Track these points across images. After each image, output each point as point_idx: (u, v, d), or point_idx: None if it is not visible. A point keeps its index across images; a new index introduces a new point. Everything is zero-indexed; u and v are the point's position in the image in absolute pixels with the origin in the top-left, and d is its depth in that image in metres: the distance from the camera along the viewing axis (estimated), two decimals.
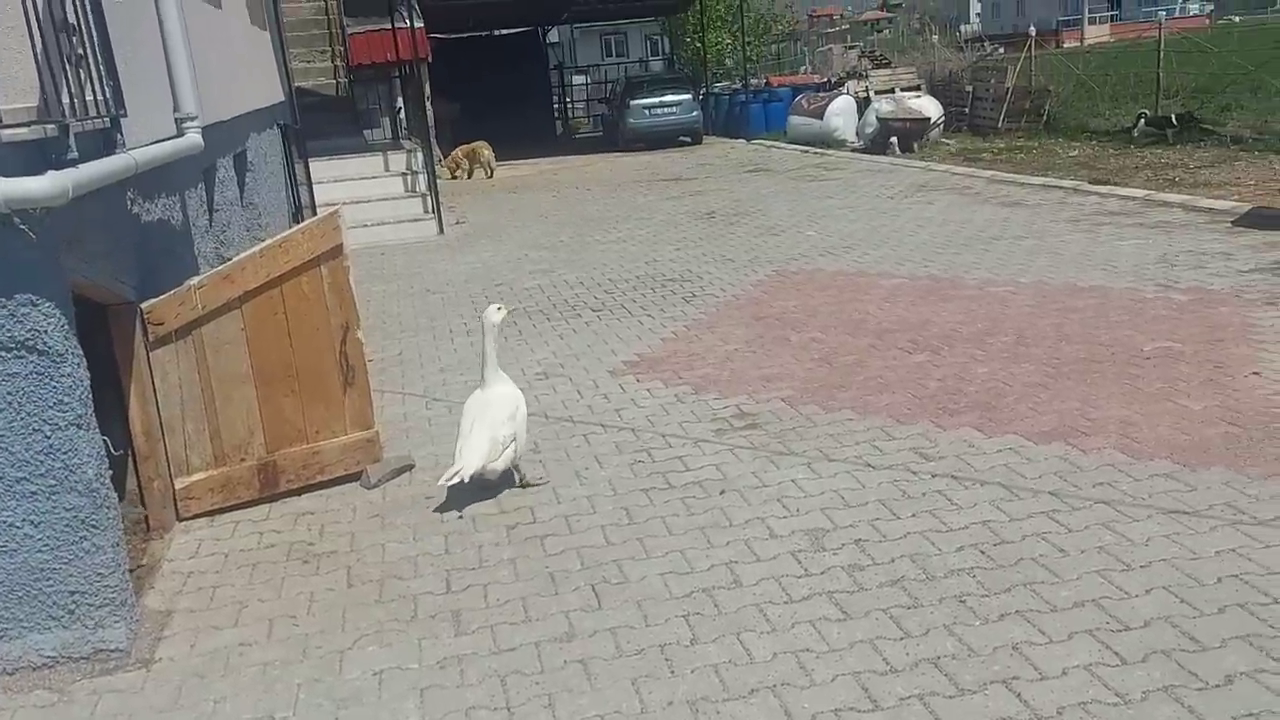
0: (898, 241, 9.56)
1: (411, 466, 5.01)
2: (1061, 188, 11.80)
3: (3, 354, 3.18)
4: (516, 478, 4.69)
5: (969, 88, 19.02)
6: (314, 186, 11.82)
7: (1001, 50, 25.41)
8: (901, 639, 3.19)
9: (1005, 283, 7.60)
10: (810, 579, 3.62)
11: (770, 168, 16.80)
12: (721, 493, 4.42)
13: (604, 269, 9.52)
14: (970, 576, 3.53)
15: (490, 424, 4.46)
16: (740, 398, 5.62)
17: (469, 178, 18.81)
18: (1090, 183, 11.83)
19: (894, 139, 16.82)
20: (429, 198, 12.69)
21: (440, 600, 3.71)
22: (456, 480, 4.30)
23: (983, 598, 3.38)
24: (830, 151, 18.08)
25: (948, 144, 17.25)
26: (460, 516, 4.42)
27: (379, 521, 4.45)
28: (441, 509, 4.50)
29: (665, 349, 6.73)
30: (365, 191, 12.65)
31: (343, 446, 4.84)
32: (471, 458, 4.34)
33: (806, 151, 18.52)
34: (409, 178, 13.27)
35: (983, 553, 3.68)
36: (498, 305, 4.73)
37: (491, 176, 18.70)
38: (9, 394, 3.22)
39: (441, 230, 12.50)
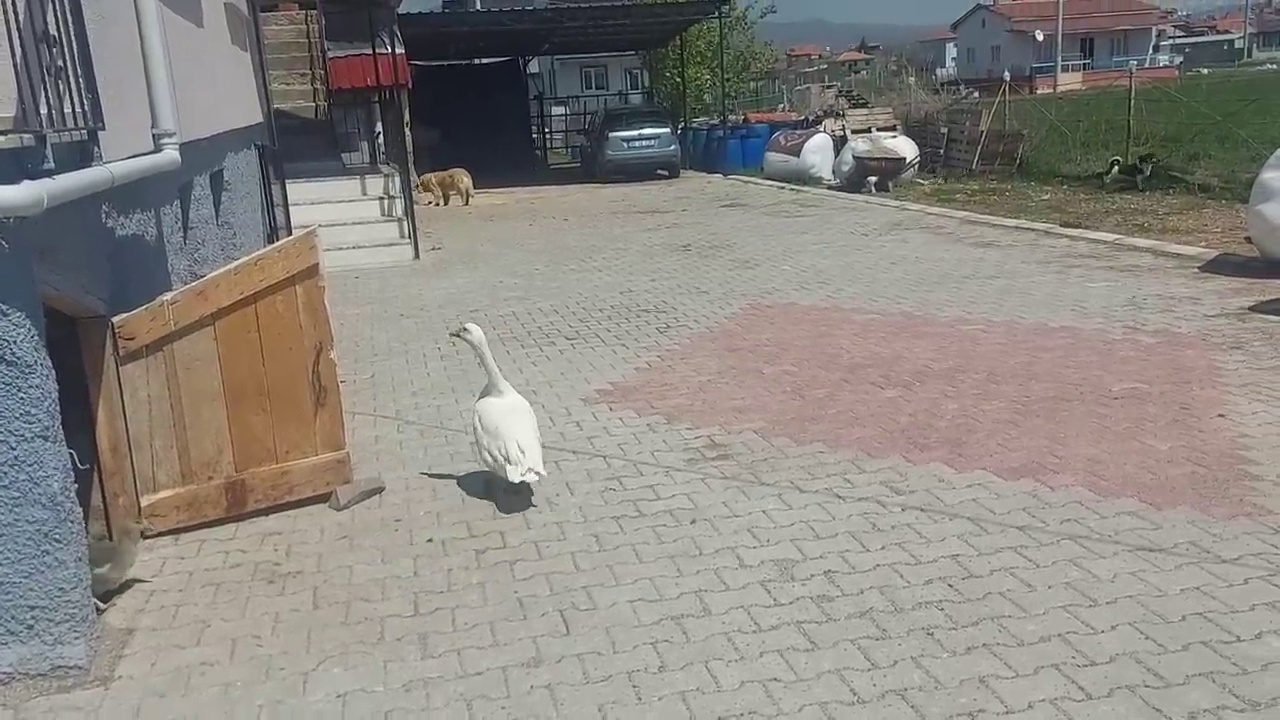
0: (871, 278, 9.65)
1: (381, 489, 4.98)
2: (1034, 230, 11.98)
3: None
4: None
5: (944, 129, 19.32)
6: (290, 208, 11.79)
7: (976, 94, 25.83)
8: (869, 670, 3.20)
9: (977, 321, 7.69)
10: (779, 609, 3.62)
11: (747, 203, 16.94)
12: (692, 522, 4.42)
13: (579, 298, 9.54)
14: (938, 609, 3.54)
15: (534, 429, 4.79)
16: (712, 428, 5.64)
17: (445, 204, 18.83)
18: (1061, 225, 12.01)
19: (870, 178, 17.02)
20: (405, 223, 12.70)
21: (407, 623, 3.67)
22: (533, 476, 4.58)
23: (950, 630, 3.39)
24: (806, 188, 18.27)
25: (922, 184, 17.49)
26: (429, 540, 4.39)
27: (347, 543, 4.41)
28: (411, 533, 4.46)
29: (639, 378, 6.74)
30: (342, 215, 12.64)
31: (313, 467, 4.80)
32: (539, 458, 4.65)
33: (783, 188, 18.71)
34: (386, 202, 13.28)
35: (951, 586, 3.70)
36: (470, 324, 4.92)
37: (468, 204, 18.74)
38: None
39: (417, 255, 12.49)
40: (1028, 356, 6.61)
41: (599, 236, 13.78)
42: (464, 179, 18.79)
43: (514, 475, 4.58)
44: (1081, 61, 59.17)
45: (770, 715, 2.99)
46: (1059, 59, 54.90)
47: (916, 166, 18.15)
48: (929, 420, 5.52)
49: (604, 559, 4.11)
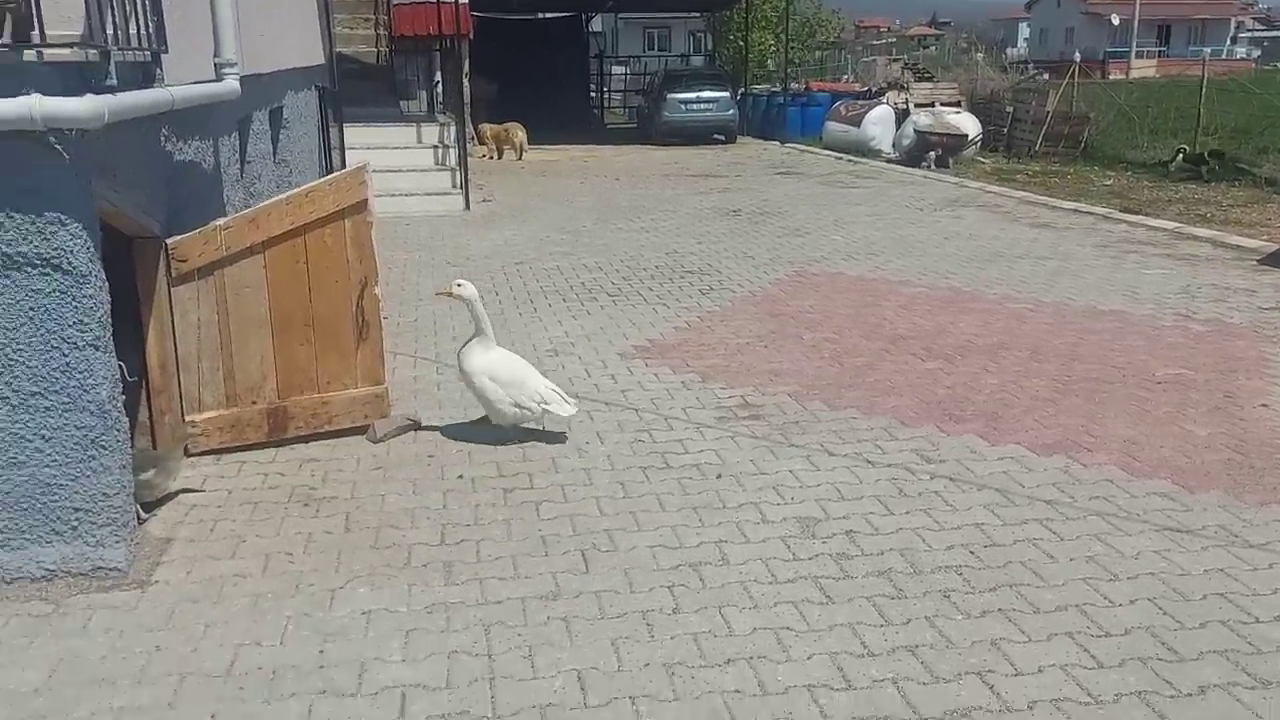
0: (922, 252, 9.56)
1: (417, 426, 5.07)
2: (1092, 214, 11.77)
3: (28, 269, 3.26)
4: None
5: (1009, 108, 18.96)
6: (346, 152, 11.90)
7: (1046, 75, 25.27)
8: (882, 626, 3.23)
9: (1025, 300, 7.60)
10: (797, 563, 3.66)
11: (802, 171, 16.80)
12: (718, 477, 4.46)
13: (624, 256, 9.56)
14: (957, 574, 3.55)
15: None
16: (746, 389, 5.66)
17: (499, 158, 18.89)
18: (1121, 211, 11.79)
19: (930, 153, 16.78)
20: (458, 173, 12.76)
21: (433, 551, 3.77)
22: (574, 410, 4.85)
23: (967, 594, 3.41)
24: (864, 160, 18.06)
25: (983, 162, 17.21)
26: (460, 476, 4.47)
27: (381, 474, 4.51)
28: (443, 469, 4.55)
29: (677, 337, 6.76)
30: (396, 161, 12.72)
31: (352, 399, 4.90)
32: None
33: (840, 158, 18.51)
34: (440, 151, 13.35)
35: (972, 553, 3.71)
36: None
37: (521, 158, 18.77)
38: (31, 309, 3.30)
39: (468, 206, 12.56)
40: (1074, 337, 6.54)
41: (649, 197, 13.76)
42: (519, 133, 18.81)
43: (566, 409, 4.80)
44: (1157, 48, 57.55)
45: (779, 661, 3.04)
46: (1134, 44, 53.42)
47: (978, 144, 17.85)
48: (967, 394, 5.50)
49: (628, 505, 4.17)
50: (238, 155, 6.25)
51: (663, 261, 9.30)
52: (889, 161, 17.97)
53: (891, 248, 9.81)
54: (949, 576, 3.53)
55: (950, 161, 16.75)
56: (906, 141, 17.82)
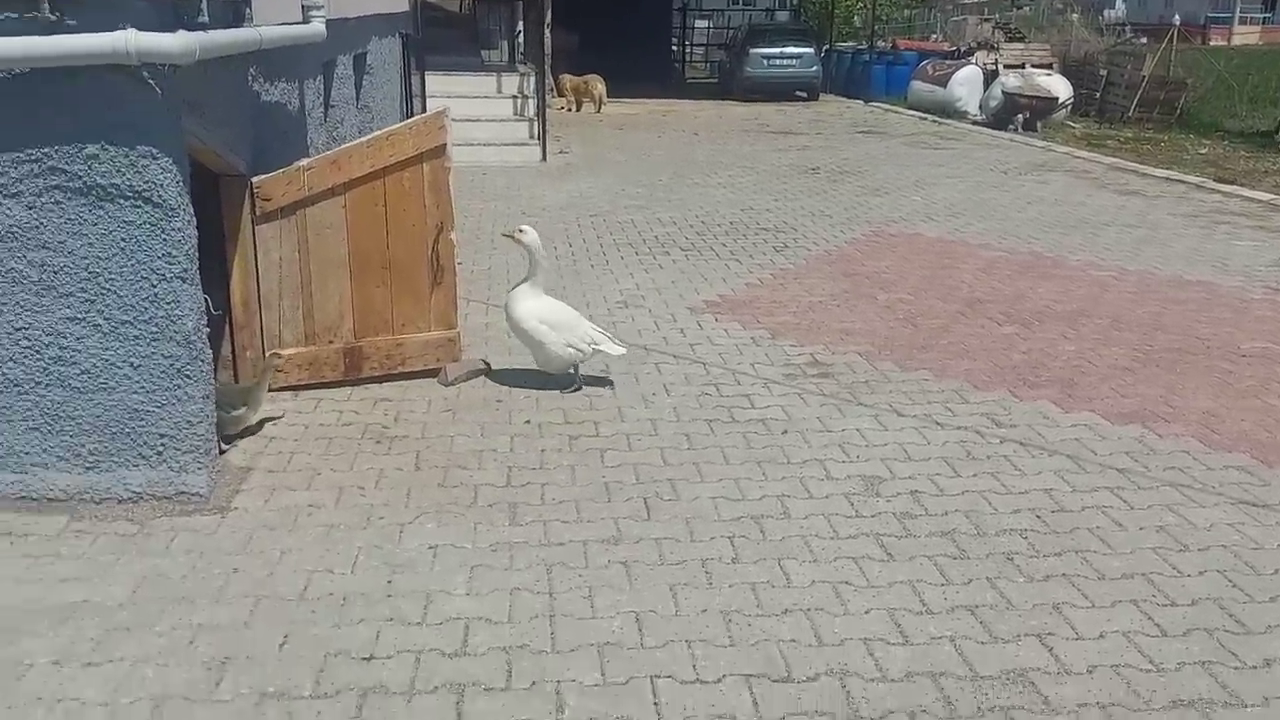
0: (1004, 216, 9.35)
1: (487, 371, 5.15)
2: (1184, 182, 11.37)
3: (120, 201, 3.38)
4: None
5: (1103, 72, 18.29)
6: (427, 100, 12.00)
7: (1143, 39, 24.30)
8: (942, 585, 3.22)
9: (1109, 268, 7.40)
10: (860, 520, 3.66)
11: (885, 131, 16.48)
12: (784, 432, 4.46)
13: (699, 212, 9.52)
14: (1022, 537, 3.52)
15: None
16: (816, 347, 5.62)
17: (577, 110, 18.86)
18: (1215, 181, 11.36)
19: (1018, 115, 16.31)
20: (536, 124, 12.79)
21: (499, 492, 3.84)
22: (624, 350, 4.97)
23: (1031, 558, 3.38)
24: (949, 121, 17.63)
25: (1073, 127, 16.68)
26: (527, 421, 4.54)
27: (450, 416, 4.60)
28: (511, 414, 4.63)
29: (748, 293, 6.74)
30: (475, 111, 12.78)
31: (425, 342, 4.99)
32: None
33: (924, 119, 18.10)
34: (519, 102, 13.38)
35: (1039, 517, 3.67)
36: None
37: (600, 111, 18.72)
38: (123, 240, 3.42)
39: (544, 158, 12.60)
40: (1157, 307, 6.36)
41: (727, 153, 13.64)
42: (598, 85, 18.74)
43: (616, 349, 4.91)
44: (1262, 15, 54.85)
45: (836, 614, 3.06)
46: (1237, 10, 51.02)
47: (1069, 108, 17.28)
48: (1042, 359, 5.39)
49: (692, 457, 4.19)
50: (322, 99, 6.36)
51: (738, 218, 9.24)
52: (975, 123, 17.51)
53: (972, 210, 9.60)
54: (1013, 540, 3.50)
55: (1038, 125, 16.26)
56: (994, 103, 17.32)
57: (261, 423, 4.35)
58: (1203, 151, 13.95)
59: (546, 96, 13.54)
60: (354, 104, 7.67)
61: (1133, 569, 3.30)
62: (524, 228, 4.97)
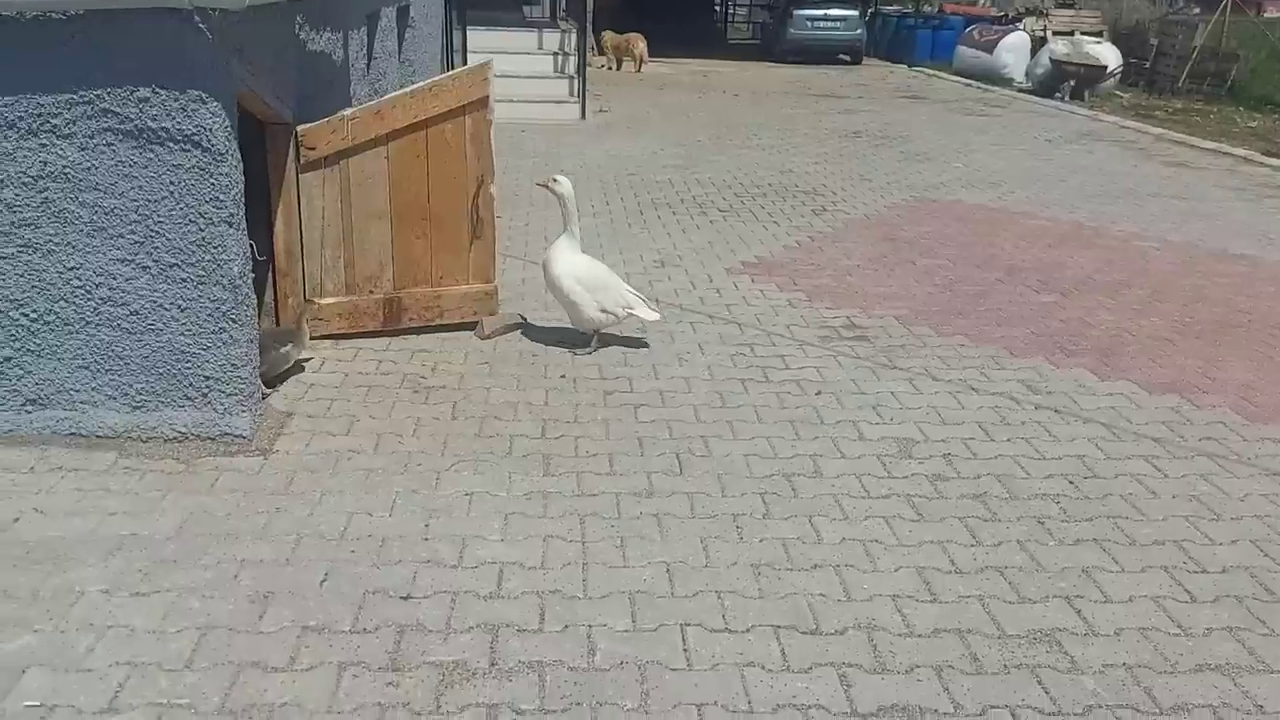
0: (1047, 185, 9.23)
1: (523, 325, 5.19)
2: (1233, 155, 11.15)
3: (170, 145, 3.43)
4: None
5: (1154, 41, 17.88)
6: (469, 55, 11.98)
7: (1197, 9, 23.70)
8: (972, 546, 3.24)
9: (1152, 239, 7.31)
10: (891, 481, 3.68)
11: (928, 96, 16.26)
12: (817, 393, 4.47)
13: (738, 173, 9.48)
14: (1054, 502, 3.53)
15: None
16: (853, 310, 5.62)
17: (618, 69, 18.74)
18: (1264, 154, 11.14)
19: (1065, 83, 16.01)
20: (576, 81, 12.74)
21: (534, 443, 3.90)
22: (658, 315, 4.97)
23: (1062, 522, 3.39)
24: (995, 88, 17.35)
25: (1121, 96, 16.36)
26: (563, 376, 4.59)
27: (487, 368, 4.65)
28: (546, 368, 4.67)
29: (785, 256, 6.72)
30: (516, 67, 12.74)
31: (463, 295, 5.04)
32: None
33: (969, 85, 17.82)
34: (560, 59, 13.32)
35: (1071, 483, 3.67)
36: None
37: (640, 70, 18.59)
38: (172, 184, 3.48)
39: (584, 115, 12.56)
40: (1200, 279, 6.28)
41: (768, 115, 13.53)
42: (639, 44, 18.60)
43: (650, 314, 4.89)
44: None
45: (866, 570, 3.09)
46: None
47: (1117, 77, 16.93)
48: (1081, 328, 5.36)
49: (725, 415, 4.22)
50: (365, 50, 6.38)
51: (776, 180, 9.19)
52: (1021, 91, 17.22)
53: (1015, 178, 9.49)
54: (1045, 504, 3.51)
55: (1085, 94, 15.95)
56: (1040, 71, 17.01)
57: (299, 364, 4.44)
58: (1253, 125, 13.66)
59: (587, 54, 13.47)
60: (396, 57, 7.69)
61: (1164, 536, 3.30)
62: (558, 177, 4.97)
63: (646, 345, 4.97)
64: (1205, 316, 5.56)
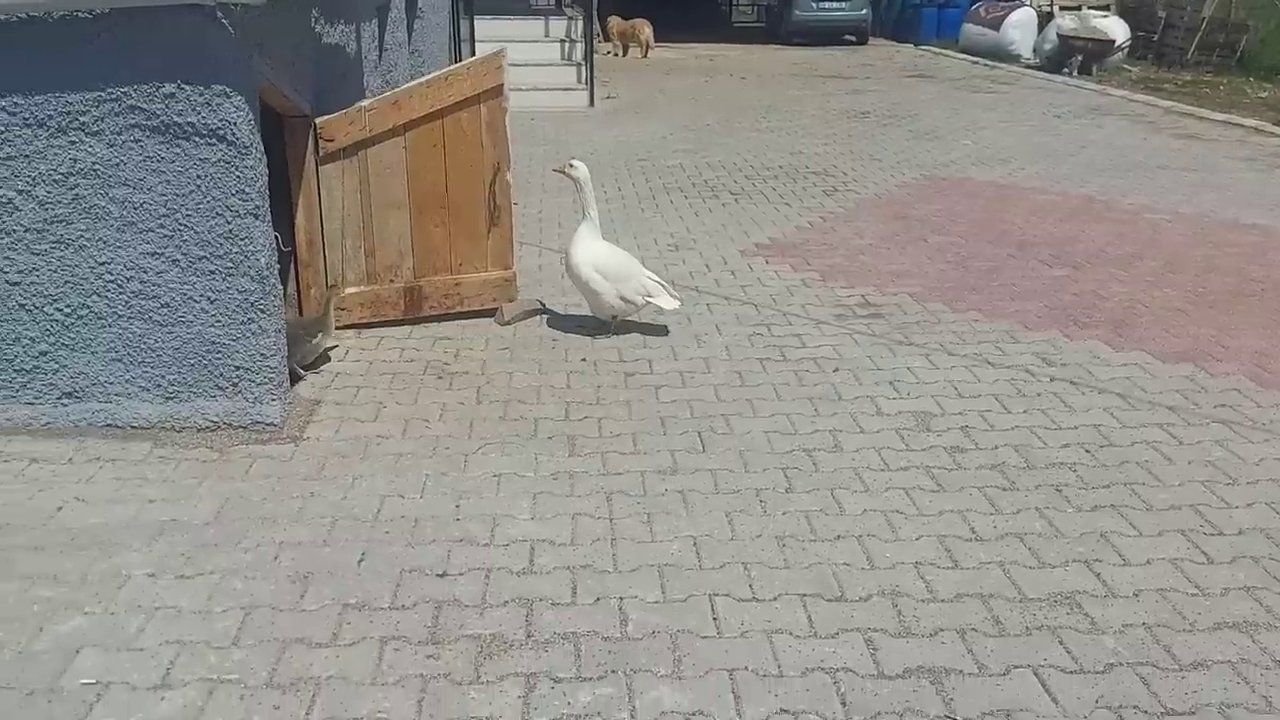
0: (1057, 160, 9.24)
1: (542, 311, 5.26)
2: (1243, 126, 11.13)
3: (196, 139, 3.51)
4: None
5: (1162, 13, 17.78)
6: (476, 45, 12.03)
7: None
8: (991, 514, 3.30)
9: (1163, 211, 7.33)
10: (910, 453, 3.74)
11: (935, 75, 16.23)
12: (835, 370, 4.53)
13: (748, 155, 9.51)
14: (1071, 470, 3.59)
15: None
16: (867, 289, 5.67)
17: (624, 55, 18.74)
18: (1275, 124, 11.10)
19: (1073, 59, 15.97)
20: (583, 68, 12.77)
21: (558, 425, 3.97)
22: (679, 304, 4.96)
23: (1080, 490, 3.45)
24: (1003, 65, 17.30)
25: (1129, 70, 16.30)
26: (583, 359, 4.66)
27: (508, 354, 4.73)
28: (566, 352, 4.74)
29: (798, 236, 6.77)
30: (523, 56, 12.72)
31: (482, 282, 5.11)
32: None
33: (977, 63, 17.76)
34: (567, 46, 13.35)
35: (1088, 451, 3.73)
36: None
37: (646, 56, 18.59)
38: (199, 177, 3.56)
39: (592, 102, 12.60)
40: (1212, 250, 6.31)
41: (775, 98, 13.54)
42: (645, 30, 18.59)
43: (670, 303, 4.88)
44: None
45: (888, 540, 3.16)
46: None
47: (1126, 50, 16.86)
48: (1094, 301, 5.40)
49: (744, 393, 4.29)
50: (376, 42, 6.44)
51: (787, 162, 9.22)
52: (1029, 67, 17.16)
53: (1025, 154, 9.50)
54: (1063, 472, 3.57)
55: (1094, 68, 15.91)
56: (1048, 46, 16.96)
57: (326, 354, 4.52)
58: (1263, 95, 13.60)
59: (593, 41, 13.50)
60: (406, 48, 7.74)
61: (1181, 500, 3.36)
62: (574, 162, 5.03)
63: (666, 331, 5.02)
64: (1218, 286, 5.60)
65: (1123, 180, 8.35)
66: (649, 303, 4.89)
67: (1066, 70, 15.92)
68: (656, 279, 4.95)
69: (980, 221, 7.07)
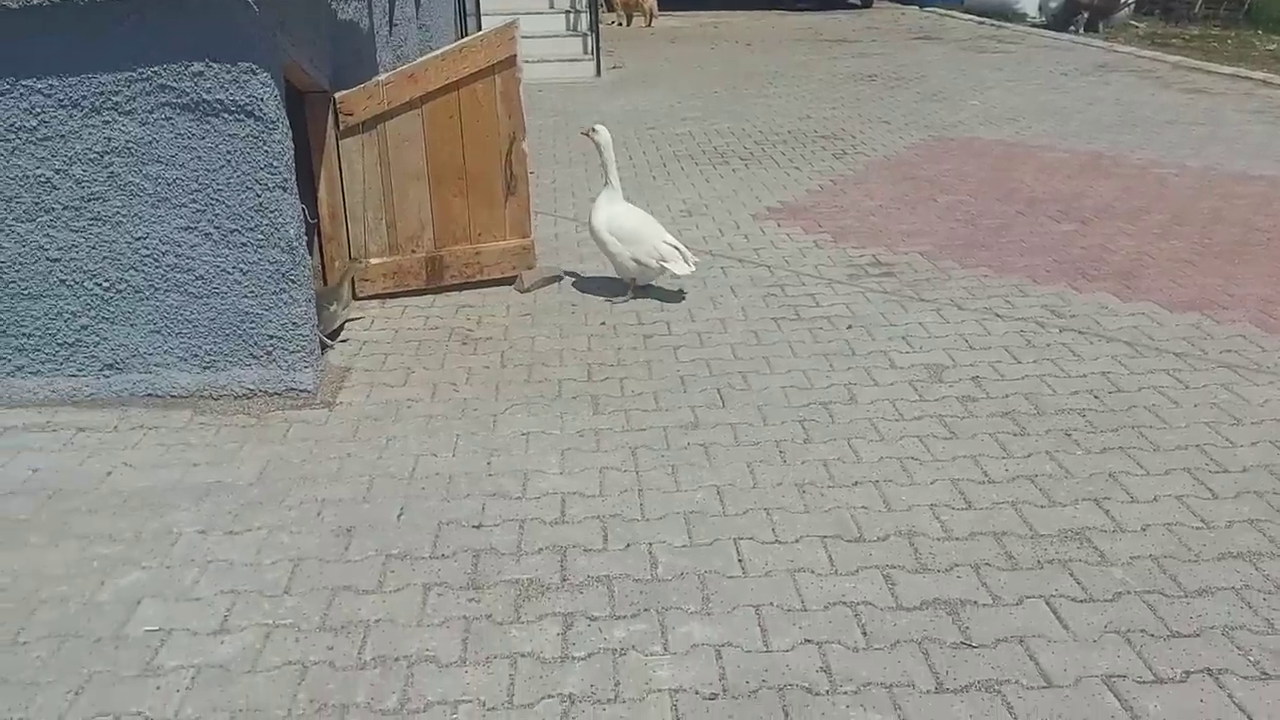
0: (1064, 118, 9.28)
1: (560, 278, 5.38)
2: (1251, 79, 11.12)
3: (225, 115, 3.62)
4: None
5: None
6: (482, 18, 12.07)
7: None
8: (1003, 458, 3.42)
9: (1170, 165, 7.38)
10: (924, 404, 3.86)
11: (941, 36, 16.18)
12: (848, 327, 4.64)
13: (756, 121, 9.57)
14: (1080, 415, 3.70)
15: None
16: (878, 248, 5.76)
17: (628, 25, 18.72)
18: None
19: (1079, 16, 15.92)
20: (590, 39, 12.80)
21: (581, 386, 4.10)
22: (692, 269, 4.97)
23: (1089, 434, 3.56)
24: (1009, 25, 17.23)
25: (1136, 26, 16.25)
26: (603, 323, 4.78)
27: (530, 319, 4.85)
28: (586, 316, 4.86)
29: (809, 199, 6.86)
30: (529, 27, 12.70)
31: (502, 250, 5.23)
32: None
33: (983, 23, 17.70)
34: (572, 17, 13.37)
35: (1096, 397, 3.84)
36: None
37: (651, 25, 18.57)
38: (229, 153, 3.68)
39: (599, 73, 12.64)
40: (1218, 202, 6.37)
41: (782, 63, 13.55)
42: None
43: (683, 268, 4.93)
44: None
45: (904, 484, 3.28)
46: None
47: (1132, 7, 16.80)
48: (1102, 254, 5.49)
49: (761, 351, 4.41)
50: (387, 17, 6.52)
51: (795, 127, 9.28)
52: (1035, 26, 17.11)
53: (1032, 113, 9.54)
54: (1072, 418, 3.69)
55: (1100, 26, 15.87)
56: (1054, 4, 16.91)
57: (343, 325, 4.67)
58: (1271, 48, 13.57)
59: (599, 11, 13.51)
60: (415, 22, 7.82)
61: (1187, 441, 3.48)
62: (597, 126, 5.13)
63: (683, 294, 5.12)
64: (1225, 237, 5.68)
65: (1130, 136, 8.40)
66: (664, 267, 5.00)
67: (1073, 28, 15.88)
68: (673, 243, 5.01)
69: (989, 180, 7.14)
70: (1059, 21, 16.46)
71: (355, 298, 4.95)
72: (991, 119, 9.33)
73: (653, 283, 5.18)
